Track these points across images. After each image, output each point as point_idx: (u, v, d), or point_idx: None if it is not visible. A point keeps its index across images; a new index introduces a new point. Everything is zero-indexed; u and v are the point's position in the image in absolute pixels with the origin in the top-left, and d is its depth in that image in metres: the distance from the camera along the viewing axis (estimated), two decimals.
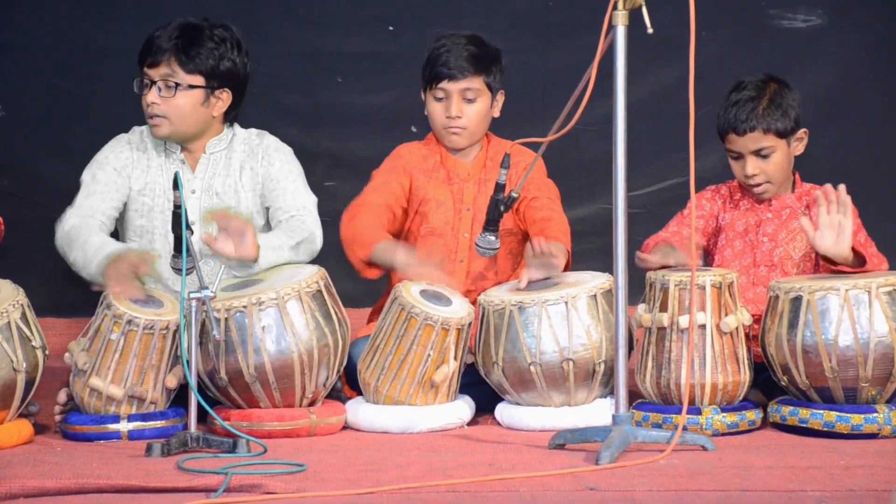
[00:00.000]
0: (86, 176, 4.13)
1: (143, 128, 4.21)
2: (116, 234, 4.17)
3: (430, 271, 3.97)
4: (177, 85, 4.05)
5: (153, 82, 4.07)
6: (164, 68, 4.06)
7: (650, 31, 3.32)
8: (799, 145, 4.13)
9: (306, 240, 4.01)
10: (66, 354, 3.74)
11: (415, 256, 4.01)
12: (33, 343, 3.66)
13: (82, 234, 3.94)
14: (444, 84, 4.17)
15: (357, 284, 4.56)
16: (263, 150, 4.18)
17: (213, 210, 3.90)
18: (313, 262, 4.03)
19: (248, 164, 4.17)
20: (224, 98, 4.13)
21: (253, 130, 4.24)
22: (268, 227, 4.16)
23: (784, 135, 4.06)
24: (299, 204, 4.10)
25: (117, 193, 4.11)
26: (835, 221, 3.80)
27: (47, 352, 3.72)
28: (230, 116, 4.20)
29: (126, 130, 4.25)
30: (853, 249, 3.81)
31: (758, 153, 4.06)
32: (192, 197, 4.14)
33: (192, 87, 4.07)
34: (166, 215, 4.08)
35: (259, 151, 4.18)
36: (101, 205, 4.07)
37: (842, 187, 3.84)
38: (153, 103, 4.06)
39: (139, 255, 3.83)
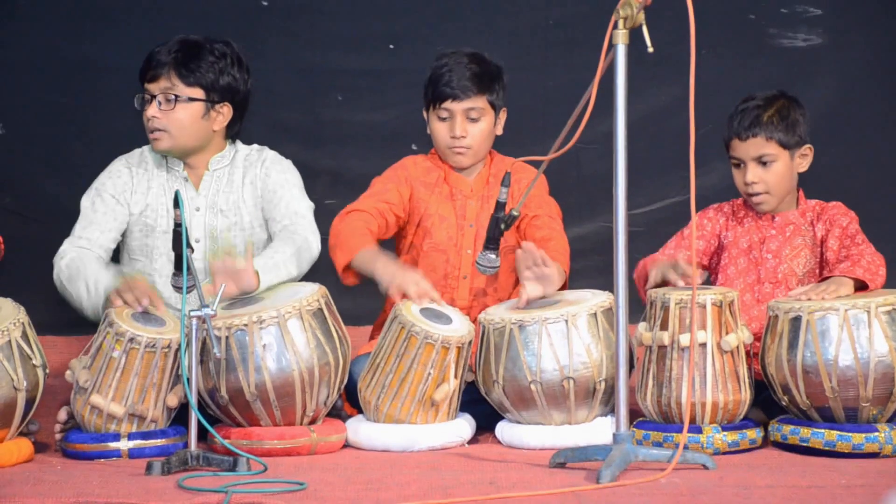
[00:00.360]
0: (84, 203, 4.14)
1: (144, 148, 4.22)
2: (116, 259, 4.18)
3: (407, 283, 3.91)
4: (176, 98, 4.07)
5: (153, 97, 4.08)
6: (163, 82, 4.07)
7: (651, 50, 3.33)
8: (803, 162, 4.13)
9: (301, 248, 4.01)
10: (68, 372, 3.74)
11: (393, 269, 3.96)
12: (34, 361, 3.66)
13: (81, 270, 3.95)
14: (448, 104, 4.17)
15: (358, 302, 4.57)
16: (262, 164, 4.20)
17: (212, 263, 3.89)
18: (314, 279, 4.03)
19: (249, 178, 4.19)
20: (224, 113, 4.14)
21: (254, 146, 4.25)
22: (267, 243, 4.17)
23: (787, 146, 4.06)
24: (292, 211, 4.11)
25: (115, 222, 4.13)
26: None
27: (48, 370, 3.72)
28: (232, 132, 4.21)
29: (126, 147, 4.26)
30: (857, 278, 3.83)
31: (759, 160, 4.07)
32: (197, 214, 4.15)
33: (191, 99, 4.08)
34: (169, 235, 4.08)
35: (258, 165, 4.19)
36: (99, 236, 4.09)
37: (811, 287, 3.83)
38: (153, 117, 4.08)
39: (139, 278, 3.85)
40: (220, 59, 4.12)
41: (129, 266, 4.16)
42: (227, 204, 4.17)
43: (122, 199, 4.15)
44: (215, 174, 4.19)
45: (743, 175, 4.09)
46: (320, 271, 4.17)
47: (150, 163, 4.19)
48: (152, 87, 4.09)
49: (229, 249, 3.95)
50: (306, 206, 4.16)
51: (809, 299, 3.73)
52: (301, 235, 4.05)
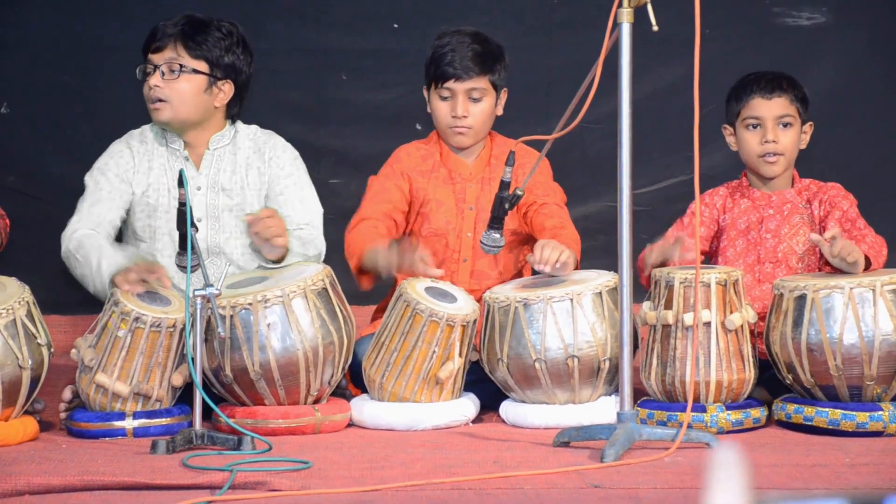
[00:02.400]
0: (88, 181, 4.13)
1: (144, 127, 4.21)
2: (120, 238, 4.18)
3: (419, 259, 3.92)
4: (181, 67, 4.07)
5: (156, 67, 4.08)
6: (169, 52, 4.07)
7: (655, 28, 3.32)
8: (804, 138, 4.15)
9: (315, 257, 4.05)
10: (73, 350, 3.74)
11: (394, 256, 3.96)
12: (39, 340, 3.67)
13: (91, 249, 3.94)
14: (450, 84, 4.16)
15: None
16: (271, 151, 4.18)
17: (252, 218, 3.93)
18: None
19: (255, 162, 4.17)
20: (226, 90, 4.14)
21: (256, 127, 4.24)
22: None
23: (801, 115, 4.10)
24: (308, 218, 4.12)
25: (121, 200, 4.12)
26: (843, 253, 3.76)
27: (52, 349, 3.73)
28: (232, 113, 4.20)
29: (130, 126, 4.25)
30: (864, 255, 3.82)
31: (781, 120, 4.08)
32: (198, 193, 4.14)
33: (196, 71, 4.08)
34: (171, 214, 4.08)
35: (266, 151, 4.18)
36: (107, 213, 4.09)
37: (830, 234, 3.79)
38: (156, 86, 4.07)
39: (148, 264, 3.84)
40: (227, 37, 4.12)
41: (134, 247, 4.15)
42: (230, 184, 4.17)
43: (126, 178, 4.14)
44: (216, 153, 4.18)
45: (761, 135, 4.09)
46: (326, 251, 4.16)
47: (151, 142, 4.19)
48: (156, 58, 4.09)
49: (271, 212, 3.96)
50: (319, 213, 4.18)
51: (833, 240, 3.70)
52: (318, 247, 4.09)
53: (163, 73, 4.07)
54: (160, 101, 4.07)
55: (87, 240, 3.97)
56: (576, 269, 4.00)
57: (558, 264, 3.85)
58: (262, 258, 4.02)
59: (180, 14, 4.16)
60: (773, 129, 4.08)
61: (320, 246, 4.11)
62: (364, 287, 4.12)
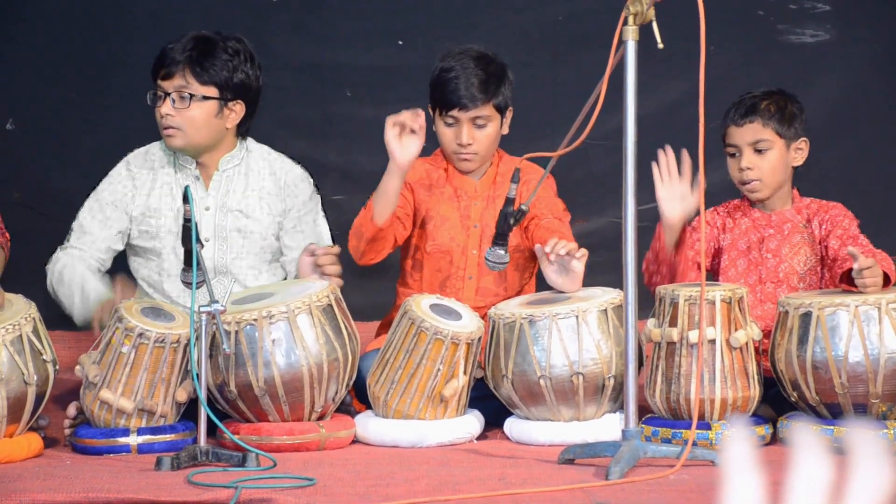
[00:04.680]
0: (83, 212, 4.17)
1: (151, 146, 4.22)
2: (123, 261, 4.20)
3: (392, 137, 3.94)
4: (191, 96, 4.07)
5: (167, 94, 4.08)
6: (178, 80, 4.07)
7: (661, 46, 3.32)
8: (797, 156, 4.14)
9: None
10: (77, 367, 3.75)
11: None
12: (44, 357, 3.67)
13: (73, 277, 4.01)
14: (455, 112, 4.16)
15: (367, 298, 4.57)
16: (291, 181, 4.21)
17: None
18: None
19: (270, 188, 4.19)
20: (237, 110, 4.15)
21: (267, 149, 4.25)
22: (279, 251, 4.19)
23: (782, 135, 4.08)
24: (317, 235, 4.17)
25: (111, 231, 4.15)
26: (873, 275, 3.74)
27: (58, 366, 3.73)
28: (242, 129, 4.21)
29: (137, 142, 4.26)
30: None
31: (754, 146, 4.08)
32: (207, 214, 4.16)
33: (206, 98, 4.08)
34: (175, 234, 4.10)
35: (283, 178, 4.21)
36: (92, 244, 4.12)
37: (861, 260, 3.75)
38: (167, 115, 4.08)
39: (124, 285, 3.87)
40: (234, 56, 4.12)
41: (138, 268, 4.17)
42: (240, 205, 4.18)
43: (121, 205, 4.17)
44: (226, 174, 4.19)
45: (738, 162, 4.10)
46: None
47: (157, 161, 4.20)
48: (166, 85, 4.09)
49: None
50: (326, 232, 4.23)
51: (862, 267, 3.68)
52: None
53: (173, 101, 4.07)
54: (173, 128, 4.08)
55: (66, 272, 4.04)
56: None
57: (578, 253, 3.82)
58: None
59: (185, 31, 4.16)
60: (747, 155, 4.09)
61: None
62: (375, 255, 4.09)
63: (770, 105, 4.09)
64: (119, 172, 4.20)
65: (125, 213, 4.16)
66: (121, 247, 4.17)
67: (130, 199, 4.17)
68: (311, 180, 4.26)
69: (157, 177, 4.19)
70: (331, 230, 4.25)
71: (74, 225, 4.16)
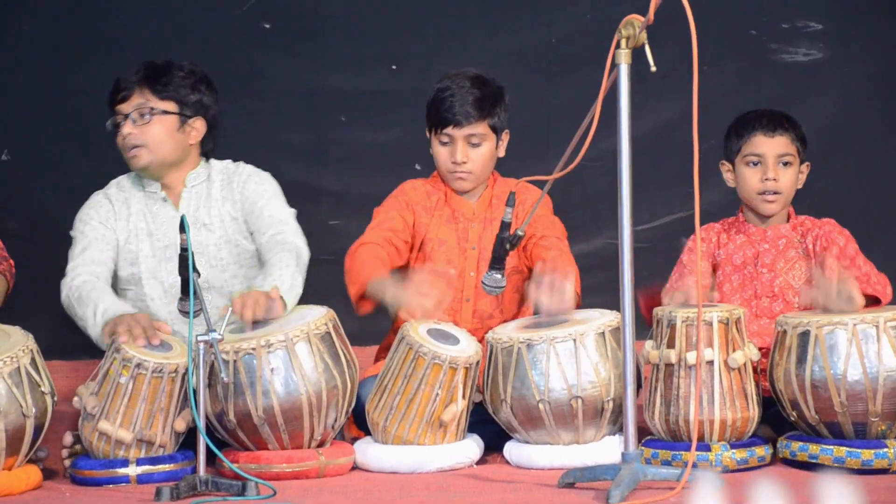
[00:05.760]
0: (74, 234, 4.18)
1: (120, 178, 4.25)
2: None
3: (417, 305, 3.91)
4: (151, 111, 4.09)
5: (126, 116, 4.10)
6: (136, 99, 4.11)
7: (653, 69, 3.33)
8: (802, 177, 4.17)
9: (298, 257, 4.02)
10: (75, 398, 3.74)
11: (398, 293, 3.95)
12: (42, 389, 3.66)
13: (92, 293, 3.96)
14: (450, 130, 4.17)
15: (364, 323, 4.56)
16: (239, 177, 4.22)
17: (234, 295, 3.88)
18: (323, 300, 4.03)
19: (228, 193, 4.20)
20: (198, 127, 4.18)
21: (228, 161, 4.27)
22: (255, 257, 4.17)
23: (800, 154, 4.11)
24: (276, 219, 4.13)
25: (107, 244, 4.16)
26: (843, 295, 3.76)
27: (56, 397, 3.72)
28: (206, 150, 4.23)
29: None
30: (868, 295, 3.82)
31: (781, 158, 4.09)
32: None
33: (166, 112, 4.10)
34: (155, 258, 4.13)
35: (235, 179, 4.22)
36: (99, 255, 4.12)
37: (830, 263, 3.80)
38: (130, 134, 4.11)
39: (145, 317, 3.84)
40: (189, 75, 4.17)
41: (121, 296, 4.16)
42: (210, 218, 4.19)
43: (108, 225, 4.17)
44: (193, 190, 4.21)
45: (762, 173, 4.10)
46: (327, 294, 4.17)
47: (129, 190, 4.23)
48: (124, 107, 4.12)
49: (246, 290, 3.92)
50: (288, 213, 4.18)
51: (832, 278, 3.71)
52: (291, 243, 4.06)
53: (133, 120, 4.09)
54: (137, 146, 4.10)
55: (85, 288, 3.99)
56: (577, 303, 4.00)
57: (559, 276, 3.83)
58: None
59: (178, 58, 4.18)
60: (773, 166, 4.10)
61: (293, 243, 4.05)
62: (362, 313, 4.10)
63: (795, 123, 4.13)
64: (99, 199, 4.22)
65: (113, 233, 4.17)
66: (114, 266, 4.17)
67: (115, 221, 4.18)
68: (265, 173, 4.25)
69: (130, 205, 4.21)
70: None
71: (73, 251, 4.14)
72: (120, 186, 4.24)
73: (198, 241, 4.16)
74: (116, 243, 4.18)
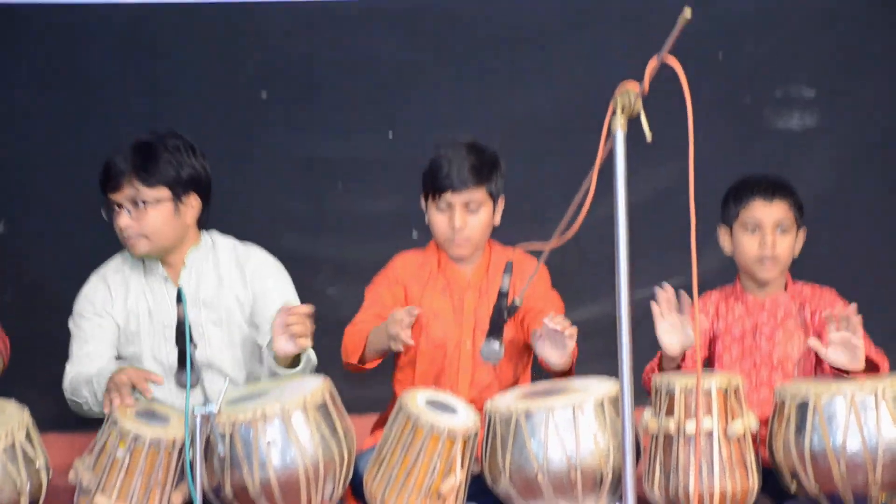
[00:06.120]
0: (71, 326, 4.18)
1: (115, 256, 4.24)
2: None
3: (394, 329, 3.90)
4: (145, 202, 4.08)
5: (120, 206, 4.09)
6: (127, 190, 4.09)
7: (649, 139, 3.34)
8: (799, 243, 4.17)
9: (307, 360, 4.03)
10: (71, 472, 3.72)
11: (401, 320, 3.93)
12: (37, 464, 3.64)
13: (81, 377, 3.98)
14: (448, 196, 4.18)
15: (361, 391, 4.55)
16: (253, 266, 4.20)
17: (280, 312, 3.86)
18: (319, 370, 4.03)
19: (238, 277, 4.19)
20: (194, 204, 4.16)
21: (234, 241, 4.26)
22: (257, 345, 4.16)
23: (797, 221, 4.11)
24: None
25: (105, 335, 4.16)
26: (846, 339, 3.76)
27: (51, 472, 3.70)
28: (202, 221, 4.22)
29: None
30: (868, 358, 3.81)
31: (779, 225, 4.09)
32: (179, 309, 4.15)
33: (159, 201, 4.09)
34: (155, 338, 4.13)
35: (246, 266, 4.20)
36: (96, 348, 4.12)
37: (852, 306, 3.80)
38: (127, 227, 4.10)
39: (138, 372, 3.84)
40: (175, 152, 4.13)
41: None
42: (212, 299, 4.17)
43: (105, 313, 4.17)
44: (194, 268, 4.20)
45: (759, 239, 4.10)
46: (324, 362, 4.15)
47: (128, 269, 4.22)
48: (117, 197, 4.11)
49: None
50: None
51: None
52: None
53: (129, 211, 4.09)
54: (135, 237, 4.09)
55: (77, 378, 4.02)
56: (570, 371, 3.99)
57: (568, 331, 3.82)
58: (270, 355, 3.93)
59: (176, 128, 4.19)
60: (771, 233, 4.10)
61: (308, 352, 4.06)
62: (369, 368, 4.09)
63: (792, 189, 4.14)
64: (95, 286, 4.21)
65: (111, 319, 4.17)
66: (115, 353, 4.18)
67: (111, 307, 4.18)
68: (277, 261, 4.25)
69: (129, 284, 4.20)
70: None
71: (72, 346, 4.15)
72: (119, 266, 4.23)
73: (196, 322, 4.15)
74: (116, 328, 4.17)
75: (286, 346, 3.87)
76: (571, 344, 3.87)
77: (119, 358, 4.19)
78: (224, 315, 4.17)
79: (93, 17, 5.04)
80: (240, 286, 4.19)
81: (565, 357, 3.90)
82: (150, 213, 4.09)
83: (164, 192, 4.10)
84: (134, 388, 3.83)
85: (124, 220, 4.10)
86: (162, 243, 4.13)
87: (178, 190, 4.11)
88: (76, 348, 4.14)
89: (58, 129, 5.05)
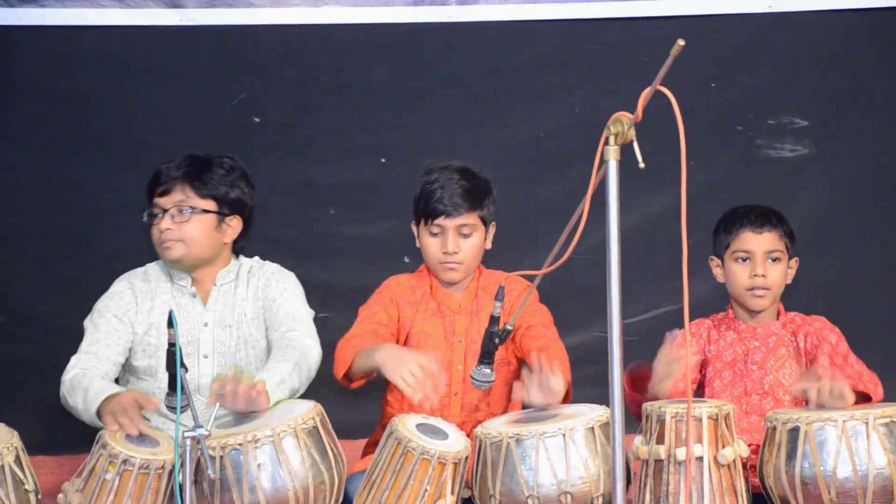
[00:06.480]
0: (87, 324, 4.15)
1: (147, 266, 4.23)
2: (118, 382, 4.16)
3: (403, 373, 3.87)
4: (192, 209, 4.09)
5: (164, 211, 4.10)
6: (177, 195, 4.10)
7: (642, 166, 3.35)
8: (791, 272, 4.19)
9: (300, 358, 4.00)
10: (60, 496, 3.70)
11: (390, 356, 3.91)
12: (26, 487, 3.63)
13: (84, 380, 3.95)
14: (440, 220, 4.19)
15: (352, 416, 4.55)
16: (263, 276, 4.22)
17: (219, 378, 3.85)
18: (310, 394, 4.01)
19: (251, 291, 4.21)
20: (234, 226, 4.18)
21: (255, 259, 4.28)
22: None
23: (789, 250, 4.13)
24: (290, 317, 4.12)
25: (121, 340, 4.13)
26: (835, 393, 3.76)
27: (40, 495, 3.69)
28: (238, 246, 4.24)
29: (121, 265, 4.26)
30: (859, 392, 3.83)
31: (770, 254, 4.10)
32: (206, 330, 4.16)
33: (205, 211, 4.11)
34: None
35: (260, 277, 4.21)
36: (105, 350, 4.09)
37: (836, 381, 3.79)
38: (167, 229, 4.10)
39: (142, 394, 3.83)
40: (230, 172, 4.18)
41: (135, 386, 4.14)
42: (233, 319, 4.19)
43: (126, 319, 4.16)
44: (222, 289, 4.21)
45: (750, 269, 4.12)
46: (314, 386, 4.15)
47: (154, 280, 4.21)
48: (163, 202, 4.11)
49: (235, 372, 3.89)
50: (305, 312, 4.18)
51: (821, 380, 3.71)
52: (299, 343, 4.05)
53: (172, 216, 4.09)
54: (172, 241, 4.09)
55: (77, 378, 3.97)
56: (568, 391, 3.99)
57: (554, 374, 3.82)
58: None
59: (169, 154, 4.20)
60: (762, 263, 4.12)
61: (301, 341, 4.05)
62: (354, 386, 4.08)
63: (783, 219, 4.15)
64: (121, 288, 4.20)
65: (130, 327, 4.16)
66: (123, 360, 4.16)
67: (134, 315, 4.17)
68: (289, 272, 4.26)
69: (155, 295, 4.20)
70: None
71: (83, 342, 4.12)
72: (147, 276, 4.22)
73: (220, 342, 4.15)
74: (132, 337, 4.16)
75: (253, 407, 3.81)
76: (559, 386, 3.86)
77: (132, 371, 4.15)
78: (244, 334, 4.17)
79: (87, 39, 5.06)
80: (251, 301, 4.20)
81: (558, 397, 3.89)
82: (192, 220, 4.10)
83: (211, 205, 4.12)
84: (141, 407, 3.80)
85: (166, 223, 4.10)
86: (196, 253, 4.13)
87: (224, 208, 4.13)
88: (86, 345, 4.11)
89: (50, 155, 5.05)
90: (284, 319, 4.13)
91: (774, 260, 4.14)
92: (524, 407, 4.09)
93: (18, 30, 5.02)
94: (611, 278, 3.41)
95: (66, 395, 3.99)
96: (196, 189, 4.11)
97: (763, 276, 4.12)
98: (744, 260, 4.15)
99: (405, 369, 3.84)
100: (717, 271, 4.23)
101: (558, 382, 3.88)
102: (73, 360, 4.08)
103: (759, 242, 4.13)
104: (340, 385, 4.15)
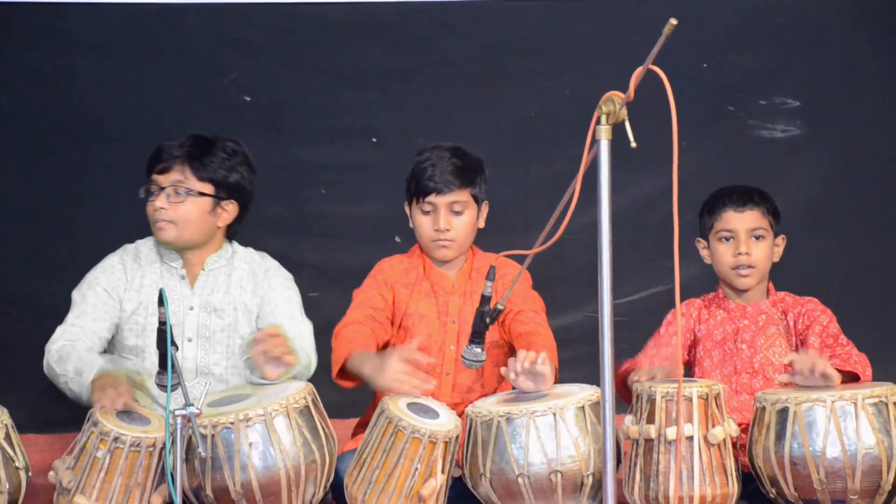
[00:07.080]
0: (76, 296, 4.13)
1: (138, 244, 4.22)
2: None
3: (395, 381, 3.88)
4: (188, 191, 4.08)
5: (161, 188, 4.09)
6: (175, 174, 4.09)
7: (634, 145, 3.35)
8: (778, 250, 4.20)
9: (307, 366, 4.02)
10: (51, 472, 3.71)
11: (378, 367, 3.91)
12: (16, 464, 3.63)
13: (73, 353, 3.94)
14: (432, 198, 4.19)
15: (342, 396, 4.54)
16: (264, 273, 4.21)
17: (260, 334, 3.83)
18: None
19: (249, 285, 4.19)
20: (230, 210, 4.17)
21: (252, 250, 4.27)
22: None
23: (773, 228, 4.14)
24: (296, 332, 4.10)
25: (108, 315, 4.12)
26: (817, 372, 3.78)
27: (30, 472, 3.69)
28: (231, 231, 4.22)
29: (109, 245, 4.25)
30: (847, 372, 3.84)
31: (753, 233, 4.12)
32: (190, 313, 4.16)
33: (202, 194, 4.10)
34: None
35: (260, 273, 4.20)
36: (92, 324, 4.08)
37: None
38: (161, 208, 4.09)
39: (131, 371, 3.83)
40: (231, 156, 4.16)
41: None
42: (222, 304, 4.17)
43: (115, 295, 4.15)
44: (211, 273, 4.20)
45: (734, 248, 4.13)
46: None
47: (145, 259, 4.20)
48: (161, 179, 4.10)
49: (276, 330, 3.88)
50: (308, 328, 4.18)
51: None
52: (307, 355, 4.06)
53: (168, 195, 4.08)
54: (165, 221, 4.08)
55: (65, 349, 3.97)
56: (555, 375, 3.99)
57: (539, 359, 3.82)
58: (257, 376, 3.93)
59: (159, 134, 4.18)
60: (745, 241, 4.13)
61: (308, 355, 4.08)
62: (345, 385, 4.08)
63: (766, 197, 4.16)
64: (112, 263, 4.19)
65: (118, 303, 4.15)
66: (109, 336, 4.15)
67: (123, 291, 4.16)
68: (289, 274, 4.26)
69: (144, 274, 4.19)
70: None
71: (69, 314, 4.11)
72: (137, 254, 4.21)
73: (204, 326, 4.15)
74: (120, 313, 4.15)
75: (275, 371, 3.85)
76: (546, 370, 3.87)
77: (105, 352, 4.15)
78: (231, 322, 4.17)
79: (76, 17, 5.03)
80: (249, 294, 4.19)
81: (547, 383, 3.90)
82: (188, 202, 4.09)
83: (208, 188, 4.11)
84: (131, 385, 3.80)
85: (161, 202, 4.08)
86: (188, 236, 4.12)
87: (222, 192, 4.12)
88: (73, 317, 4.10)
89: (40, 137, 5.03)
90: (289, 331, 4.07)
91: (758, 238, 4.15)
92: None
93: (5, 6, 4.99)
94: (602, 259, 3.41)
95: (52, 364, 3.98)
96: (195, 170, 4.10)
97: (747, 254, 4.13)
98: (727, 239, 4.16)
99: (390, 376, 3.84)
100: (703, 253, 4.25)
101: (543, 367, 3.89)
102: (59, 330, 4.07)
103: (741, 221, 4.14)
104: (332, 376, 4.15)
